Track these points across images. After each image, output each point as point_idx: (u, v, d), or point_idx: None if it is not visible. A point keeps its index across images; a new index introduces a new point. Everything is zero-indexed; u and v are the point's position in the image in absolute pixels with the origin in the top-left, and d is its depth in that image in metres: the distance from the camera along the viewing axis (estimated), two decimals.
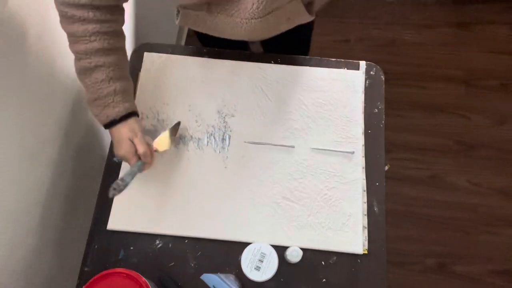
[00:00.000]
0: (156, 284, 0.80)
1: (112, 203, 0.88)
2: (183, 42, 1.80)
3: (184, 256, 0.85)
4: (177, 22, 0.90)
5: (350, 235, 0.86)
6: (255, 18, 0.76)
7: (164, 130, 0.89)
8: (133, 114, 0.80)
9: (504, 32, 1.92)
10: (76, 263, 0.86)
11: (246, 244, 0.80)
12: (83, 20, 0.71)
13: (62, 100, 0.94)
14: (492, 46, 1.89)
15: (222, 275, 0.77)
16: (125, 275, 0.71)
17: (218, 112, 0.96)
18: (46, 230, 0.90)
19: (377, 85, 0.99)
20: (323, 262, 0.84)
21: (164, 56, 1.01)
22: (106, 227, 0.86)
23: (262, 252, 0.79)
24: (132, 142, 0.78)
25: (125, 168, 0.90)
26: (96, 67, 0.74)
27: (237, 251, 0.83)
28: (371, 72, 1.00)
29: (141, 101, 0.97)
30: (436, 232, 1.60)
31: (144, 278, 0.71)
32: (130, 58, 1.02)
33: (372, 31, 1.94)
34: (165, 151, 0.87)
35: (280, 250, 0.82)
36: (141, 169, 0.80)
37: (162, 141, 0.86)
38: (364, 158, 0.92)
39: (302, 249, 0.80)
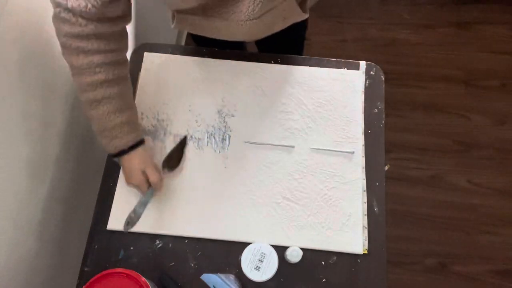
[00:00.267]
0: (156, 284, 0.80)
1: (112, 203, 0.88)
2: (183, 42, 1.80)
3: (184, 256, 0.85)
4: (172, 26, 0.90)
5: (350, 235, 0.86)
6: (251, 20, 0.76)
7: (172, 145, 0.92)
8: (140, 142, 0.82)
9: (504, 32, 1.92)
10: (76, 263, 0.86)
11: (246, 244, 0.80)
12: (88, 51, 0.70)
13: (62, 100, 0.94)
14: (492, 46, 1.89)
15: (222, 275, 0.77)
16: (125, 275, 0.71)
17: (218, 112, 0.96)
18: (46, 230, 0.90)
19: (377, 85, 0.99)
20: (323, 262, 0.84)
21: (164, 56, 1.01)
22: (106, 227, 0.86)
23: (262, 252, 0.79)
24: (144, 171, 0.80)
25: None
26: (103, 99, 0.74)
27: (237, 251, 0.83)
28: (371, 72, 1.00)
29: (141, 101, 0.97)
30: (436, 232, 1.60)
31: (144, 278, 0.71)
32: (130, 58, 1.02)
33: (372, 31, 1.94)
34: (175, 171, 0.89)
35: (280, 250, 0.82)
36: (152, 197, 0.83)
37: (171, 161, 0.89)
38: (364, 158, 0.92)
39: (302, 249, 0.80)
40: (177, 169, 0.90)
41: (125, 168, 0.82)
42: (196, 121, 0.95)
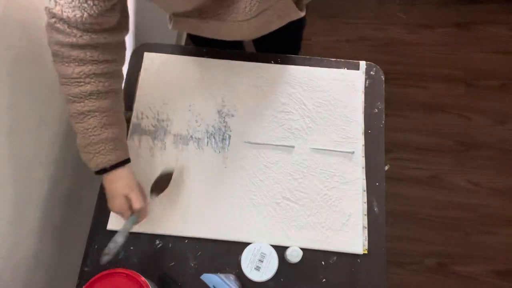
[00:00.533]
0: (156, 284, 0.80)
1: None
2: (183, 42, 1.80)
3: (184, 256, 0.85)
4: (170, 27, 0.90)
5: (350, 235, 0.86)
6: (247, 19, 0.76)
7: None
8: (125, 162, 0.77)
9: (504, 32, 1.91)
10: (76, 263, 0.86)
11: (246, 244, 0.80)
12: (80, 61, 0.67)
13: (62, 100, 0.93)
14: (492, 46, 1.88)
15: (222, 275, 0.77)
16: (125, 275, 0.71)
17: (218, 112, 0.96)
18: (46, 230, 0.90)
19: (377, 85, 0.99)
20: (323, 262, 0.84)
21: (164, 56, 1.01)
22: (106, 227, 0.86)
23: (262, 252, 0.79)
24: (127, 196, 0.76)
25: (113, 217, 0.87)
26: (90, 112, 0.71)
27: (237, 251, 0.83)
28: (371, 72, 1.00)
29: (141, 101, 0.97)
30: (436, 232, 1.60)
31: (144, 278, 0.71)
32: (130, 58, 1.02)
33: (372, 31, 1.94)
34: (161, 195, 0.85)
35: (280, 250, 0.82)
36: (134, 224, 0.77)
37: (159, 185, 0.84)
38: (364, 158, 0.92)
39: (302, 249, 0.80)
40: (164, 191, 0.85)
41: (107, 191, 0.77)
42: (196, 121, 0.95)
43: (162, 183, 0.85)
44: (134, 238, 0.86)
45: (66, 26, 0.64)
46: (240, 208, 0.88)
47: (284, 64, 1.01)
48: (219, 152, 0.93)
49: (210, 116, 0.96)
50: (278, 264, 0.78)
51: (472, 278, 1.54)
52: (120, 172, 0.76)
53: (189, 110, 0.96)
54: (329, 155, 0.92)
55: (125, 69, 0.99)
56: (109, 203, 0.77)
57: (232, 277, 0.80)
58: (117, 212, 0.78)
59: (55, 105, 0.91)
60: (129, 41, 1.24)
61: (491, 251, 1.57)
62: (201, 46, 1.03)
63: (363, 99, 0.97)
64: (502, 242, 1.58)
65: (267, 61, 1.01)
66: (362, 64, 1.01)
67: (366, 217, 0.87)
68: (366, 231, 0.86)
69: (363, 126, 0.95)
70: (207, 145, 0.93)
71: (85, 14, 0.62)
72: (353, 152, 0.92)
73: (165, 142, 0.93)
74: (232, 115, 0.96)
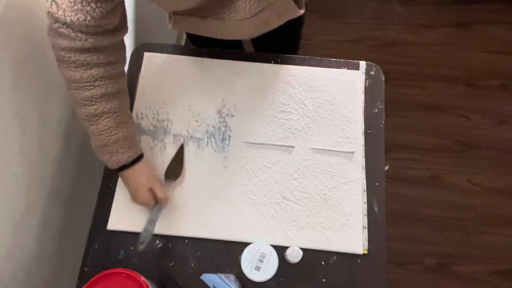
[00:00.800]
0: (156, 284, 0.80)
1: (112, 203, 0.88)
2: (183, 42, 1.80)
3: (184, 256, 0.85)
4: (170, 26, 0.90)
5: (350, 235, 0.86)
6: (247, 18, 0.76)
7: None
8: (141, 157, 0.82)
9: (504, 32, 1.92)
10: (76, 263, 0.86)
11: (246, 244, 0.80)
12: (87, 65, 0.68)
13: (62, 100, 0.94)
14: (492, 46, 1.89)
15: (222, 275, 0.77)
16: (125, 275, 0.71)
17: (218, 112, 0.96)
18: (46, 230, 0.90)
19: (377, 85, 0.99)
20: (323, 262, 0.84)
21: (164, 56, 1.01)
22: (106, 227, 0.86)
23: (262, 252, 0.79)
24: (150, 188, 0.80)
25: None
26: (103, 113, 0.73)
27: (237, 251, 0.83)
28: (371, 72, 1.00)
29: (141, 101, 0.97)
30: (436, 232, 1.60)
31: (144, 278, 0.71)
32: (130, 58, 1.02)
33: (372, 31, 1.94)
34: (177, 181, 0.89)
35: (280, 250, 0.82)
36: (160, 212, 0.82)
37: (173, 172, 0.89)
38: (364, 158, 0.92)
39: (302, 249, 0.80)
40: (180, 178, 0.89)
41: (131, 187, 0.81)
42: (196, 121, 0.95)
43: (175, 167, 0.89)
44: (134, 238, 0.86)
45: (70, 31, 0.64)
46: (240, 208, 0.88)
47: (284, 64, 1.01)
48: (219, 152, 0.93)
49: (210, 116, 0.96)
50: (278, 264, 0.78)
51: (472, 278, 1.54)
52: (140, 166, 0.81)
53: (189, 110, 0.96)
54: (329, 155, 0.92)
55: (125, 69, 1.00)
56: (133, 197, 0.82)
57: (232, 277, 0.80)
58: (142, 204, 0.82)
59: (55, 105, 0.91)
60: (129, 41, 1.24)
61: (491, 251, 1.57)
62: (201, 47, 1.03)
63: (363, 99, 0.97)
64: (502, 242, 1.58)
65: (267, 61, 1.01)
66: (362, 64, 1.01)
67: (366, 217, 0.87)
68: (366, 231, 0.86)
69: (363, 126, 0.95)
70: (207, 145, 0.93)
71: (88, 17, 0.62)
72: (353, 152, 0.92)
73: (165, 142, 0.93)
74: (232, 115, 0.96)
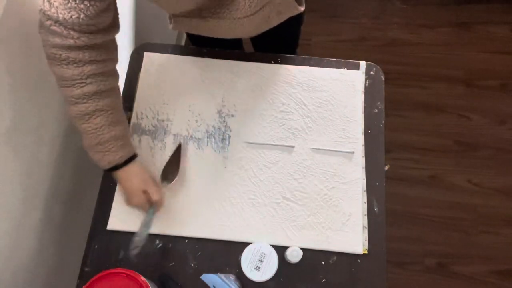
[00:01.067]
0: (156, 284, 0.80)
1: (112, 203, 0.88)
2: (183, 42, 1.80)
3: (184, 256, 0.85)
4: (170, 27, 0.90)
5: (350, 235, 0.86)
6: (247, 16, 0.76)
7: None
8: (134, 157, 0.80)
9: (504, 32, 1.92)
10: (76, 263, 0.86)
11: (246, 244, 0.80)
12: (78, 62, 0.67)
13: (61, 99, 0.93)
14: (492, 46, 1.89)
15: (222, 275, 0.77)
16: (125, 275, 0.71)
17: (218, 112, 0.96)
18: (46, 230, 0.90)
19: (377, 85, 0.99)
20: (323, 262, 0.84)
21: (164, 56, 1.01)
22: (106, 227, 0.86)
23: (262, 252, 0.79)
24: (145, 191, 0.79)
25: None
26: (95, 111, 0.71)
27: (237, 251, 0.83)
28: (371, 72, 1.00)
29: (141, 101, 0.97)
30: (436, 232, 1.60)
31: (144, 278, 0.71)
32: (130, 58, 1.02)
33: (372, 31, 1.94)
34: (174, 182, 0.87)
35: (280, 250, 0.82)
36: (154, 214, 0.80)
37: (169, 173, 0.87)
38: (364, 158, 0.92)
39: (302, 249, 0.80)
40: (177, 179, 0.88)
41: (125, 189, 0.80)
42: (196, 121, 0.95)
43: (171, 168, 0.88)
44: None
45: (62, 28, 0.63)
46: (240, 208, 0.88)
47: (284, 64, 1.01)
48: (219, 152, 0.93)
49: (210, 116, 0.96)
50: (278, 264, 0.78)
51: (472, 278, 1.54)
52: (133, 167, 0.79)
53: (189, 110, 0.96)
54: (329, 155, 0.92)
55: (125, 69, 1.00)
56: (127, 200, 0.80)
57: (232, 277, 0.80)
58: (136, 207, 0.80)
59: (55, 105, 0.91)
60: (129, 41, 1.24)
61: (491, 251, 1.57)
62: (201, 47, 1.03)
63: (363, 99, 0.97)
64: (502, 242, 1.58)
65: (267, 61, 1.01)
66: (362, 64, 1.01)
67: (366, 217, 0.87)
68: (366, 231, 0.86)
69: (363, 126, 0.95)
70: (207, 145, 0.93)
71: (82, 15, 0.61)
72: (353, 152, 0.92)
73: (165, 142, 0.93)
74: (232, 115, 0.96)
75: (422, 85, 1.83)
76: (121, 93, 0.83)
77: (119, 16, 0.74)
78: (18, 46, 0.76)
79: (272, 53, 1.02)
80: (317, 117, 0.95)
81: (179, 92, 0.98)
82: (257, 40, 1.10)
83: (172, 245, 0.86)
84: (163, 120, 0.95)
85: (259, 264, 0.78)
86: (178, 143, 0.93)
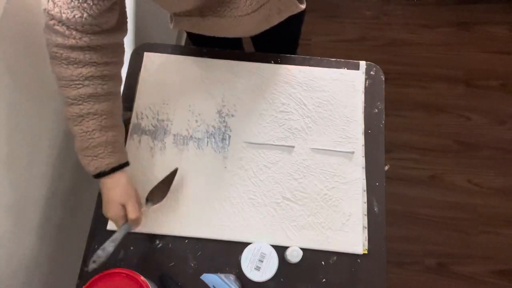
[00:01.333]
0: (156, 284, 0.80)
1: None
2: (183, 42, 1.80)
3: (184, 256, 0.85)
4: (171, 26, 0.90)
5: (350, 235, 0.86)
6: (248, 14, 0.76)
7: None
8: (124, 165, 0.76)
9: (504, 32, 1.92)
10: (76, 263, 0.86)
11: (246, 244, 0.80)
12: (79, 62, 0.66)
13: (61, 99, 0.93)
14: (492, 46, 1.89)
15: (222, 275, 0.77)
16: (125, 275, 0.71)
17: (218, 112, 0.96)
18: (46, 230, 0.90)
19: (377, 85, 0.99)
20: (323, 262, 0.84)
21: (164, 56, 1.01)
22: (106, 227, 0.86)
23: (262, 252, 0.79)
24: (123, 205, 0.75)
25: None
26: (88, 114, 0.69)
27: (237, 251, 0.83)
28: (371, 72, 1.00)
29: (141, 101, 0.97)
30: (436, 232, 1.60)
31: (143, 278, 0.71)
32: (130, 58, 1.02)
33: (372, 31, 1.94)
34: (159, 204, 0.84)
35: (280, 250, 0.82)
36: (127, 231, 0.76)
37: (156, 194, 0.83)
38: (364, 158, 0.92)
39: (302, 249, 0.80)
40: (160, 204, 0.84)
41: (104, 196, 0.75)
42: (196, 121, 0.95)
43: (160, 192, 0.84)
44: (134, 238, 0.86)
45: (65, 28, 0.63)
46: (240, 208, 0.88)
47: (284, 64, 1.01)
48: (219, 152, 0.93)
49: (210, 116, 0.96)
50: (278, 264, 0.78)
51: (472, 278, 1.54)
52: (119, 177, 0.75)
53: (189, 110, 0.96)
54: (329, 155, 0.92)
55: (125, 69, 0.99)
56: (104, 208, 0.76)
57: (232, 277, 0.80)
58: (111, 219, 0.76)
59: (55, 105, 0.91)
60: (129, 41, 1.24)
61: (491, 251, 1.57)
62: (201, 46, 1.03)
63: (363, 99, 0.97)
64: (502, 242, 1.58)
65: (267, 61, 1.01)
66: (362, 64, 1.01)
67: (366, 217, 0.87)
68: (366, 231, 0.86)
69: (363, 126, 0.95)
70: (207, 145, 0.93)
71: (85, 14, 0.61)
72: (353, 152, 0.92)
73: (165, 142, 0.93)
74: (232, 115, 0.96)
75: (422, 85, 1.83)
76: (121, 93, 0.83)
77: (127, 20, 0.74)
78: (18, 46, 0.76)
79: (272, 53, 1.02)
80: (317, 117, 0.95)
81: (179, 92, 0.98)
82: (257, 40, 1.10)
83: (172, 245, 0.86)
84: (163, 120, 0.95)
85: (259, 264, 0.78)
86: (179, 143, 0.92)
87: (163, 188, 0.84)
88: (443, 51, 1.89)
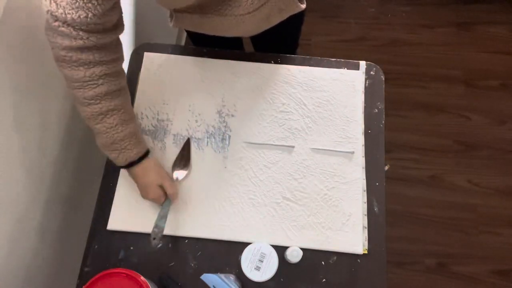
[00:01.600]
0: (156, 284, 0.80)
1: (112, 203, 0.88)
2: (183, 42, 1.80)
3: (184, 256, 0.85)
4: (171, 24, 0.90)
5: (350, 235, 0.86)
6: (249, 12, 0.76)
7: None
8: (148, 152, 0.82)
9: (504, 32, 1.92)
10: (76, 263, 0.86)
11: (246, 244, 0.80)
12: (89, 63, 0.68)
13: (61, 99, 0.94)
14: (492, 46, 1.89)
15: (222, 275, 0.77)
16: (125, 275, 0.71)
17: (218, 112, 0.96)
18: (46, 230, 0.90)
19: (377, 85, 0.99)
20: (323, 262, 0.84)
21: (164, 56, 1.01)
22: (106, 227, 0.86)
23: (262, 252, 0.79)
24: (160, 185, 0.81)
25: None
26: (108, 111, 0.73)
27: (237, 251, 0.83)
28: (371, 72, 1.00)
29: (141, 101, 0.97)
30: (436, 232, 1.60)
31: (143, 278, 0.71)
32: (130, 58, 1.02)
33: (372, 31, 1.94)
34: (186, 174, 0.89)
35: (280, 250, 0.82)
36: (170, 207, 0.83)
37: (179, 165, 0.90)
38: (364, 158, 0.92)
39: (302, 249, 0.80)
40: (188, 171, 0.90)
41: (141, 184, 0.81)
42: (196, 121, 0.95)
43: (182, 162, 0.90)
44: (134, 238, 0.86)
45: (71, 29, 0.63)
46: (240, 208, 0.88)
47: (284, 64, 1.01)
48: (219, 152, 0.93)
49: (210, 116, 0.96)
50: (278, 264, 0.78)
51: (472, 278, 1.54)
52: (149, 163, 0.81)
53: (189, 110, 0.96)
54: (329, 155, 0.92)
55: (125, 69, 0.99)
56: (142, 192, 0.82)
57: (232, 277, 0.80)
58: (153, 200, 0.83)
59: (55, 105, 0.91)
60: (129, 41, 1.24)
61: (491, 251, 1.57)
62: (201, 46, 1.03)
63: (363, 99, 0.97)
64: (502, 242, 1.58)
65: (267, 61, 1.01)
66: (362, 64, 1.01)
67: (366, 217, 0.87)
68: (366, 231, 0.86)
69: (363, 126, 0.95)
70: (207, 145, 0.93)
71: (90, 14, 0.61)
72: (353, 152, 0.92)
73: (165, 142, 0.93)
74: (232, 115, 0.96)
75: (422, 85, 1.83)
76: None
77: (122, 15, 0.75)
78: (19, 46, 0.76)
79: (272, 53, 1.02)
80: (317, 117, 0.95)
81: (179, 92, 0.98)
82: (257, 40, 1.10)
83: (172, 245, 0.86)
84: (163, 120, 0.95)
85: (259, 264, 0.78)
86: (179, 143, 0.93)
87: (184, 157, 0.90)
88: (443, 51, 1.88)
